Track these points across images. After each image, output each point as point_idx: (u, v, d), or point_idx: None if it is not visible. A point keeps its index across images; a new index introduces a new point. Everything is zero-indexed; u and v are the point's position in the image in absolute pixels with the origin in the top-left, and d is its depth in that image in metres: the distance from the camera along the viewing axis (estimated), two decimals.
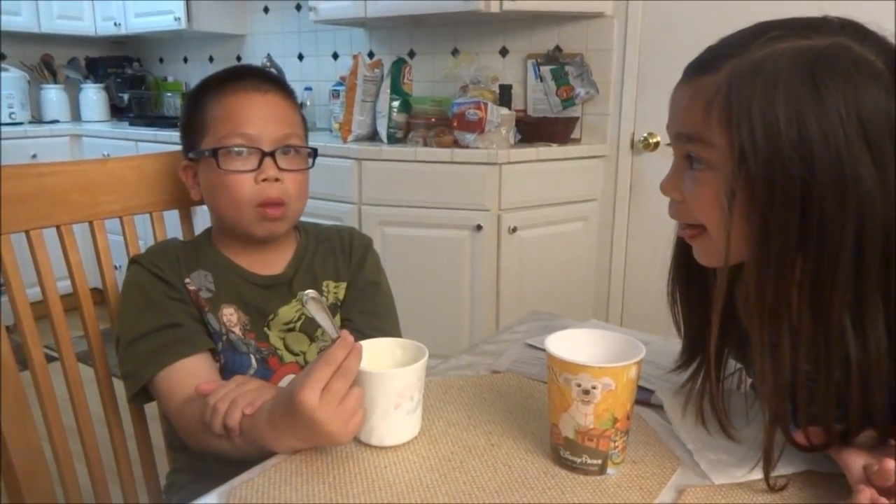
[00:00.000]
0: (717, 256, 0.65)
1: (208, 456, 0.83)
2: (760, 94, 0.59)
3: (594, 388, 0.64)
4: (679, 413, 0.78)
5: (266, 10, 3.41)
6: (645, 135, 2.40)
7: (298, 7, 3.25)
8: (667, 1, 2.31)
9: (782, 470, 0.65)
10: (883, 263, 0.58)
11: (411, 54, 2.92)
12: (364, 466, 0.69)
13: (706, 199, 0.65)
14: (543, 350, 0.68)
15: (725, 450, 0.71)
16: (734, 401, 0.79)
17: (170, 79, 3.97)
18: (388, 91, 2.45)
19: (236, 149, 0.91)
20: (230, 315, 0.94)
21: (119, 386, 0.95)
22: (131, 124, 3.51)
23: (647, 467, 0.69)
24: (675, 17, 2.29)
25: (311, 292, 0.72)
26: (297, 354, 0.98)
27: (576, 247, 2.48)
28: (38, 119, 3.72)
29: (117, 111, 3.93)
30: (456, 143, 2.29)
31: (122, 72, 3.97)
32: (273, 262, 0.99)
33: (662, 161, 1.99)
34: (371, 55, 3.03)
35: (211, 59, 3.77)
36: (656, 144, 2.38)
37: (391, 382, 0.71)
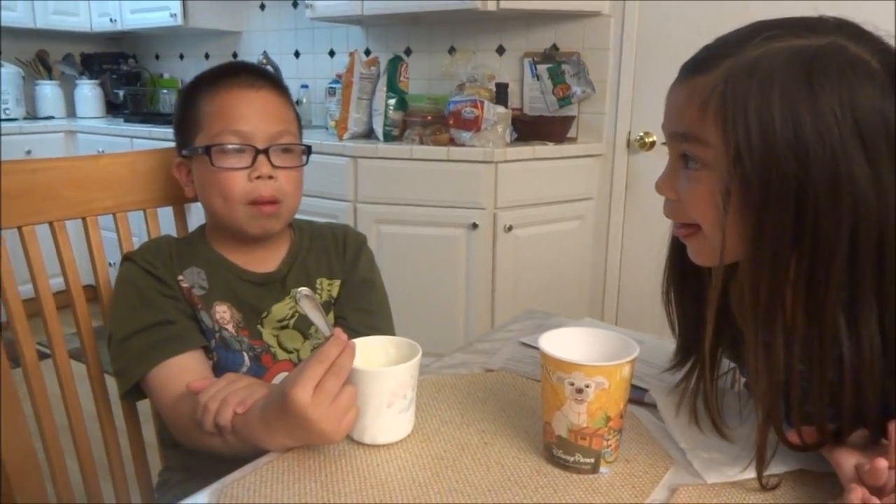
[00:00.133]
0: (711, 255, 0.65)
1: (201, 454, 0.82)
2: (756, 94, 0.59)
3: (587, 386, 0.64)
4: (672, 412, 0.78)
5: (262, 6, 3.40)
6: (641, 134, 2.40)
7: (295, 4, 3.24)
8: (663, 0, 2.31)
9: (774, 469, 0.65)
10: (877, 263, 0.58)
11: (408, 52, 2.91)
12: (356, 465, 0.69)
13: (701, 199, 0.65)
14: (537, 348, 0.68)
15: (718, 449, 0.71)
16: (728, 400, 0.79)
17: (166, 75, 3.96)
18: (385, 89, 2.45)
19: (230, 146, 0.91)
20: (223, 312, 0.94)
21: (112, 383, 0.95)
22: (126, 121, 3.49)
23: (639, 466, 0.69)
24: (672, 16, 2.29)
25: (304, 290, 0.72)
26: (290, 352, 0.97)
27: (571, 245, 2.48)
28: (32, 115, 3.70)
29: (112, 108, 3.91)
30: (452, 142, 2.29)
31: (118, 68, 3.96)
32: (267, 260, 0.99)
33: (658, 160, 1.99)
34: (367, 53, 3.02)
35: (207, 56, 3.76)
36: (652, 144, 2.38)
37: (384, 381, 0.70)
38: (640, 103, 2.42)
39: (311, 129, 2.98)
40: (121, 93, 3.86)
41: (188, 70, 3.85)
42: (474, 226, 2.20)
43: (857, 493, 0.56)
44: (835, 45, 0.59)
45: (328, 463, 0.69)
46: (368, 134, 2.56)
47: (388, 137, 2.47)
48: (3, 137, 3.15)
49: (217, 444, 0.77)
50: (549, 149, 2.34)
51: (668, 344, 0.82)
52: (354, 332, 0.77)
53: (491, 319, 2.28)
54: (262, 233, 0.95)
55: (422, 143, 2.34)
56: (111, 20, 3.61)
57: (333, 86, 2.73)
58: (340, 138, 2.51)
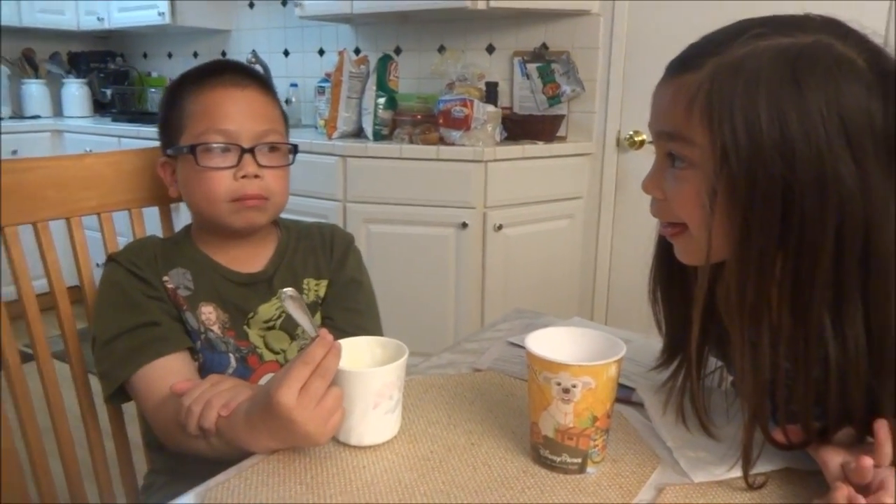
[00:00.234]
0: (698, 255, 0.65)
1: (186, 457, 0.81)
2: (742, 92, 0.58)
3: (574, 386, 0.64)
4: (659, 411, 0.77)
5: (251, 5, 3.39)
6: (630, 133, 2.40)
7: (284, 2, 3.23)
8: (652, 0, 2.31)
9: (761, 468, 0.65)
10: (862, 262, 0.58)
11: (397, 51, 2.91)
12: (342, 466, 0.68)
13: (688, 198, 0.65)
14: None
15: (705, 448, 0.71)
16: (715, 399, 0.79)
17: (154, 74, 3.93)
18: (374, 88, 2.44)
19: (215, 145, 0.90)
20: (209, 313, 0.93)
21: (97, 384, 0.94)
22: (114, 120, 3.47)
23: (626, 466, 0.69)
24: (661, 15, 2.30)
25: (289, 290, 0.71)
26: (277, 353, 0.97)
27: (561, 244, 2.48)
28: (18, 114, 3.67)
29: (100, 107, 3.88)
30: (442, 141, 2.28)
31: (105, 67, 3.92)
32: (253, 260, 0.98)
33: (648, 159, 1.99)
34: (357, 51, 3.01)
35: (196, 55, 3.73)
36: (642, 142, 2.38)
37: (370, 381, 0.70)
38: (629, 102, 2.43)
39: (300, 129, 2.97)
40: (108, 92, 3.82)
41: (176, 69, 3.79)
42: (464, 225, 2.20)
43: (843, 491, 0.56)
44: (821, 44, 0.59)
45: (314, 465, 0.68)
46: (358, 133, 2.55)
47: (378, 136, 2.46)
48: None
49: (201, 446, 0.77)
50: (539, 148, 2.34)
51: (655, 343, 0.82)
52: (342, 333, 0.76)
53: (481, 318, 2.28)
54: (247, 225, 0.93)
55: (411, 142, 2.33)
56: (98, 18, 3.58)
57: (323, 85, 2.72)
58: (330, 137, 2.50)
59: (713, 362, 0.79)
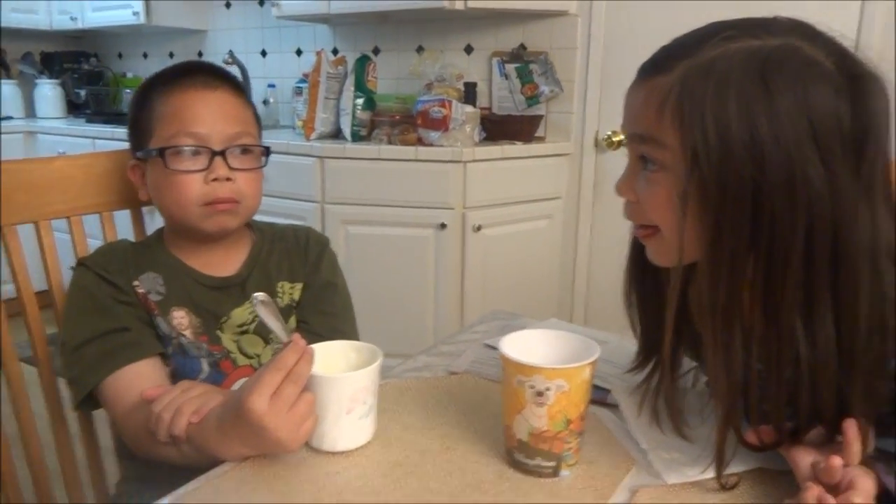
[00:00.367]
0: (670, 256, 0.65)
1: (157, 464, 0.80)
2: (712, 95, 0.59)
3: (547, 389, 0.64)
4: (634, 412, 0.77)
5: (228, 5, 3.35)
6: (608, 133, 2.41)
7: (261, 2, 3.20)
8: (630, 0, 2.32)
9: (734, 468, 0.65)
10: (832, 263, 0.58)
11: (375, 51, 2.89)
12: (314, 473, 0.67)
13: (659, 200, 0.65)
14: None
15: (679, 449, 0.71)
16: (690, 399, 0.79)
17: (129, 75, 3.88)
18: (352, 88, 2.43)
19: (185, 148, 0.89)
20: (181, 318, 0.92)
21: (66, 389, 0.92)
22: (88, 121, 3.42)
23: (601, 468, 0.69)
24: (639, 16, 2.31)
25: (261, 295, 0.70)
26: (251, 357, 0.95)
27: (540, 245, 2.49)
28: None
29: (74, 108, 3.81)
30: (420, 141, 2.27)
31: (79, 67, 3.85)
32: (226, 263, 0.97)
33: (625, 160, 2.00)
34: (335, 52, 3.00)
35: (171, 55, 3.69)
36: (619, 143, 2.39)
37: (343, 386, 0.69)
38: (607, 102, 2.44)
39: (278, 129, 2.95)
40: (82, 92, 3.76)
41: (152, 69, 3.67)
42: (443, 226, 2.20)
43: (813, 491, 0.56)
44: (789, 46, 0.59)
45: (285, 472, 0.67)
46: (336, 134, 2.53)
47: (356, 137, 2.44)
48: None
49: (172, 454, 0.76)
50: (518, 148, 2.34)
51: (631, 344, 0.82)
52: (317, 336, 0.76)
53: (460, 320, 2.27)
54: (218, 229, 0.92)
55: (390, 142, 2.32)
56: (72, 18, 3.52)
57: (300, 85, 2.70)
58: (308, 138, 2.48)
59: (688, 363, 0.80)
